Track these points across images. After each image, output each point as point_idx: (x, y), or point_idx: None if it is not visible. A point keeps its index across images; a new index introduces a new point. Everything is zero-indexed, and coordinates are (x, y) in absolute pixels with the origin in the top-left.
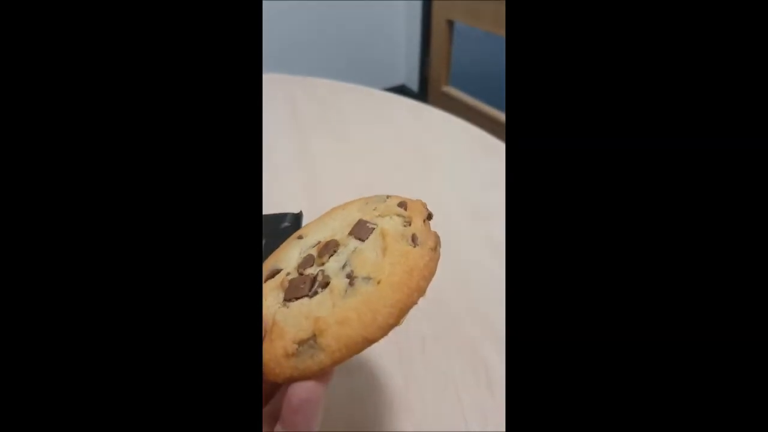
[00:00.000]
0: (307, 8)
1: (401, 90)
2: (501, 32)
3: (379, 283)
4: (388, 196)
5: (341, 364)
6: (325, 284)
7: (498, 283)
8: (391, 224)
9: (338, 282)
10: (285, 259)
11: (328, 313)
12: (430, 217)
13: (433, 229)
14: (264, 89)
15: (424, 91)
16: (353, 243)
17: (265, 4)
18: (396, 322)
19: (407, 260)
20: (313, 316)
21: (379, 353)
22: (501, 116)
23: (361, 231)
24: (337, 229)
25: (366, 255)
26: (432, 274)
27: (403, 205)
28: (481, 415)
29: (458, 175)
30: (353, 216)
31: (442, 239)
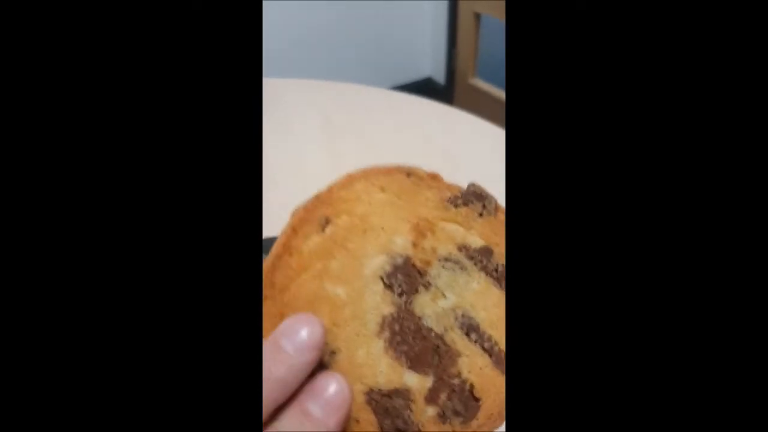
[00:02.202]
0: (334, 0)
1: (427, 83)
2: None
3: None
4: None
5: None
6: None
7: None
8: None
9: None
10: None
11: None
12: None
13: None
14: (294, 97)
15: (450, 84)
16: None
17: (289, 3)
18: None
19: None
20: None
21: None
22: None
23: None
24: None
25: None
26: None
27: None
28: None
29: (488, 181)
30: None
31: None
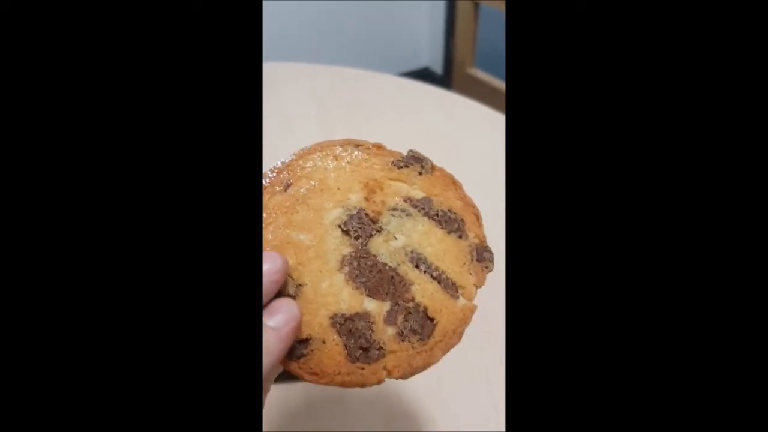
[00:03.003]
0: None
1: (425, 72)
2: None
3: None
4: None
5: None
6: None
7: None
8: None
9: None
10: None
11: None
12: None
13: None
14: (289, 79)
15: (448, 74)
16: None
17: None
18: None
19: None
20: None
21: None
22: None
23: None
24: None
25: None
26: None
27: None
28: None
29: (485, 165)
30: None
31: None
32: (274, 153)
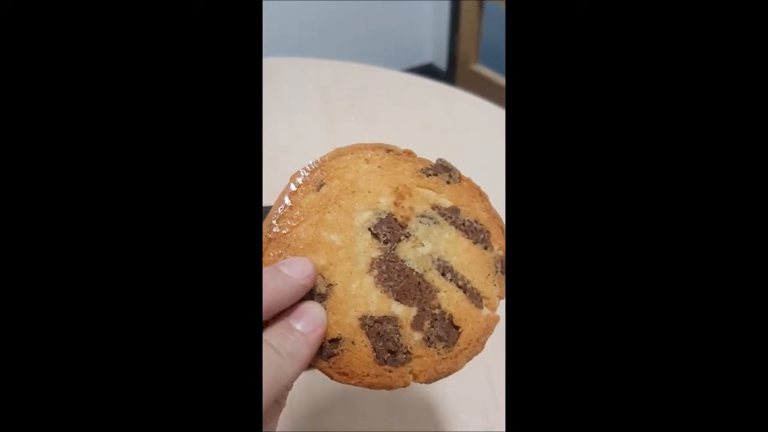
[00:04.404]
0: None
1: (429, 69)
2: None
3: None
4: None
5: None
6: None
7: None
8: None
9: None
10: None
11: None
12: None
13: None
14: (293, 74)
15: (452, 70)
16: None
17: None
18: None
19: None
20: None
21: None
22: None
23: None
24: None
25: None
26: None
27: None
28: None
29: (488, 162)
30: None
31: None
32: (277, 145)
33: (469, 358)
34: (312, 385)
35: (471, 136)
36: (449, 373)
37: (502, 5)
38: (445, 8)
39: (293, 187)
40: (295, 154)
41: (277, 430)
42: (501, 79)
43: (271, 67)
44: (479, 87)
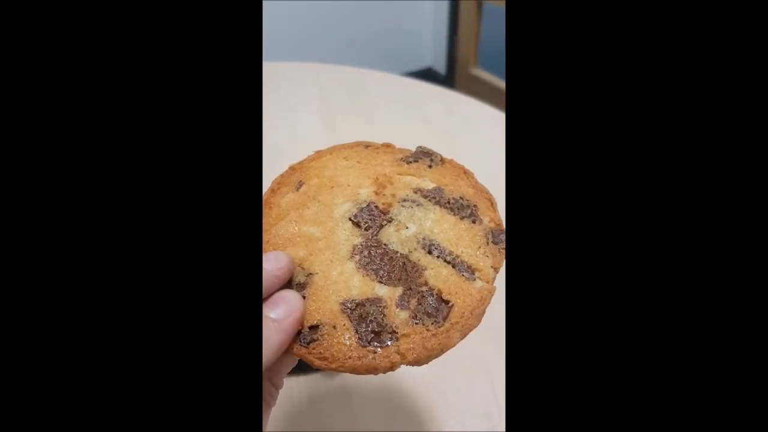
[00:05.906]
0: None
1: (428, 73)
2: None
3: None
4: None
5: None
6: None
7: None
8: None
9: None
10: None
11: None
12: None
13: None
14: (293, 78)
15: (451, 74)
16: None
17: None
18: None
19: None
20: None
21: None
22: None
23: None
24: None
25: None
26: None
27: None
28: None
29: (488, 165)
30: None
31: None
32: (278, 149)
33: (463, 333)
34: (312, 385)
35: (470, 139)
36: (442, 350)
37: (501, 6)
38: (444, 11)
39: (271, 190)
40: (295, 155)
41: (277, 430)
42: (500, 83)
43: (272, 71)
44: (479, 90)
